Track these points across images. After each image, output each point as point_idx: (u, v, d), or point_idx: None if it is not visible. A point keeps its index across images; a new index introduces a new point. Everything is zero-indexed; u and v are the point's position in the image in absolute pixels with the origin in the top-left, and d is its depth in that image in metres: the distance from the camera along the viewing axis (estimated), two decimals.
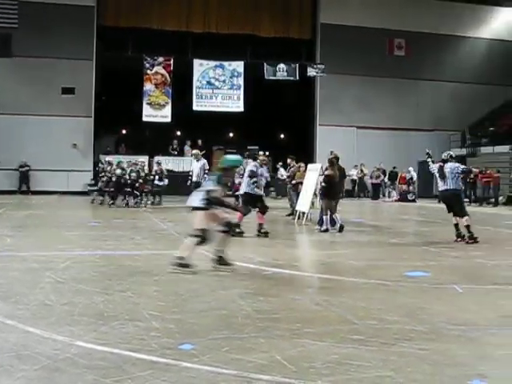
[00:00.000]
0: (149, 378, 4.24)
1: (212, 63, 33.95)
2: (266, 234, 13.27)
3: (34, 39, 29.92)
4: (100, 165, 27.08)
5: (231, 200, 13.28)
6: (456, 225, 13.02)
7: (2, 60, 30.24)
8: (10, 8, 30.20)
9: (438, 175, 13.19)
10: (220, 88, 33.94)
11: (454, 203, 13.08)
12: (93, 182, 29.86)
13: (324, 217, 14.62)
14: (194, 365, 4.52)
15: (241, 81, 34.09)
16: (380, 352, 4.96)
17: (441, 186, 13.26)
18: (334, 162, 15.02)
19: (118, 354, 4.75)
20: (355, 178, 33.32)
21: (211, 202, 8.51)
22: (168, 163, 32.00)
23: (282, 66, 33.63)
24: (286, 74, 33.71)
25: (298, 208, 17.37)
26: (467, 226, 12.67)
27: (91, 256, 9.98)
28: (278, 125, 36.31)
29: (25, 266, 8.82)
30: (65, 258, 9.51)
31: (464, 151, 34.39)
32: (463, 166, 14.13)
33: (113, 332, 5.39)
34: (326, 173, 14.86)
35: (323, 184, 14.78)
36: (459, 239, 12.83)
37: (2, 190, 28.55)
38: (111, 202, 22.04)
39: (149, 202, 22.88)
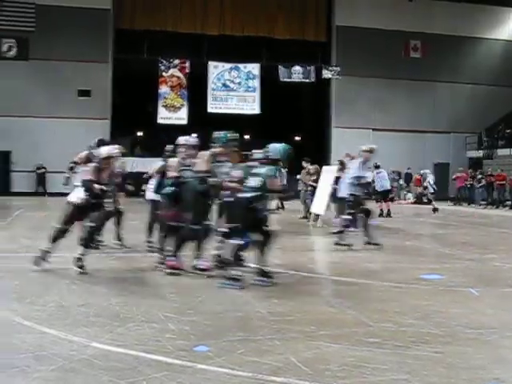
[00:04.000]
0: (164, 380, 4.26)
1: (227, 65, 34.02)
2: None
3: (51, 42, 30.11)
4: None
5: None
6: None
7: (19, 63, 30.49)
8: (28, 12, 30.44)
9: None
10: (235, 90, 34.02)
11: None
12: None
13: (337, 219, 14.56)
14: (209, 367, 4.54)
15: (256, 83, 34.13)
16: (395, 355, 4.95)
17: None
18: (344, 163, 15.01)
19: (133, 356, 4.78)
20: (370, 180, 33.12)
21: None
22: None
23: (297, 68, 33.59)
24: (301, 76, 33.66)
25: (312, 210, 17.32)
26: None
27: (107, 257, 10.02)
28: (293, 127, 36.25)
29: (41, 267, 8.86)
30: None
31: (481, 153, 34.20)
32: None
33: (128, 333, 5.42)
34: (337, 175, 14.84)
35: (335, 186, 14.76)
36: None
37: (20, 191, 28.81)
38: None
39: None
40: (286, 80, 33.56)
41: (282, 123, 33.58)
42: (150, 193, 10.47)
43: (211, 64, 33.73)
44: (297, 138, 39.11)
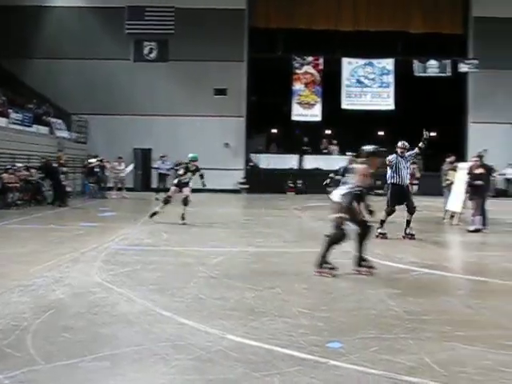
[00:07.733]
0: (297, 375, 4.30)
1: (361, 61, 33.83)
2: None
3: (188, 43, 31.21)
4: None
5: None
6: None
7: (159, 64, 31.89)
8: (167, 15, 31.80)
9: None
10: (369, 86, 33.76)
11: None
12: (244, 180, 30.99)
13: (475, 217, 14.23)
14: (342, 363, 4.54)
15: (391, 78, 33.72)
16: None
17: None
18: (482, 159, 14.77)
19: (267, 349, 4.86)
20: (510, 177, 31.86)
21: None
22: (319, 161, 32.47)
23: (432, 62, 32.87)
24: (437, 70, 32.95)
25: (448, 208, 16.93)
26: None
27: (242, 252, 10.25)
28: (429, 123, 35.20)
29: (180, 260, 9.24)
30: (217, 253, 9.87)
31: None
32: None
33: (262, 327, 5.52)
34: (479, 171, 14.47)
35: (479, 182, 14.39)
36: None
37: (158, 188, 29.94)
38: None
39: None
40: (421, 75, 32.95)
41: (418, 119, 32.83)
42: None
43: (345, 60, 33.68)
44: (432, 134, 38.09)
